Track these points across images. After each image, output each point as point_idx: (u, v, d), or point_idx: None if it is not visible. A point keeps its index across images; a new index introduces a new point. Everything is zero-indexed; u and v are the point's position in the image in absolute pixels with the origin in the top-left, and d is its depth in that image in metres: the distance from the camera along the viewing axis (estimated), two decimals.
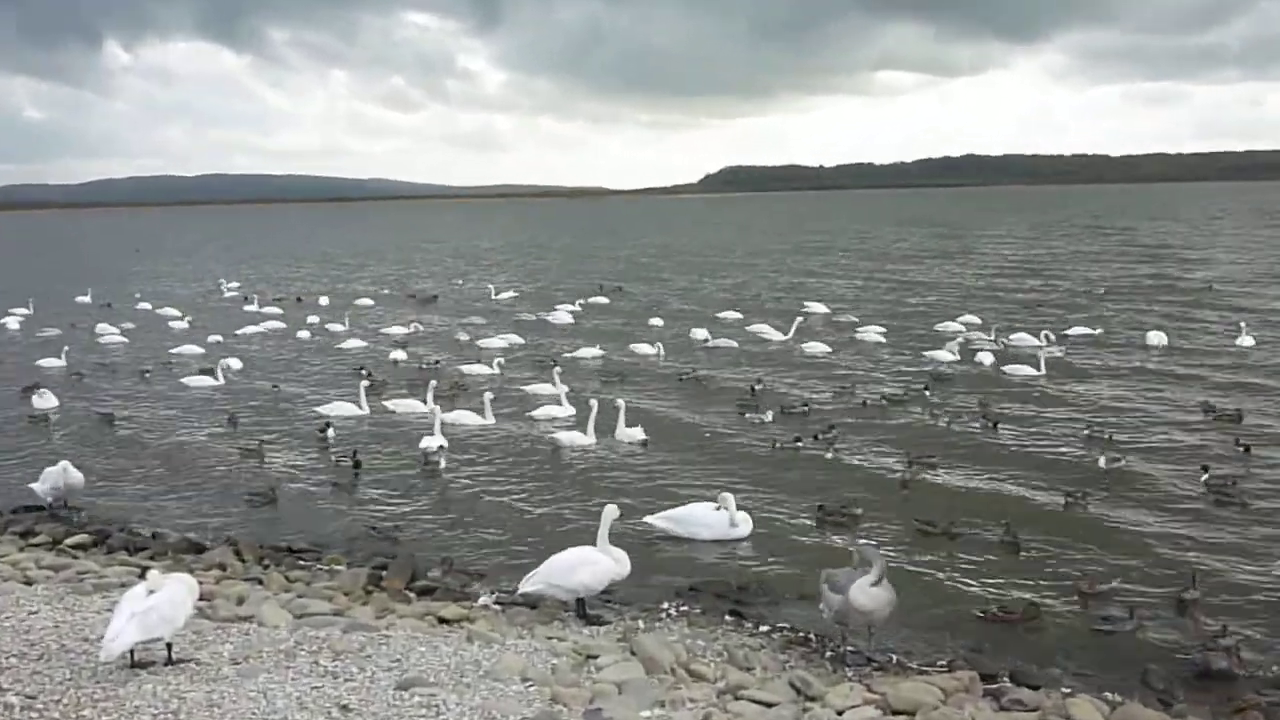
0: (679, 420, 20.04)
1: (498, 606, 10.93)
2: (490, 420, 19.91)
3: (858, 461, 16.67)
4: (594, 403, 18.70)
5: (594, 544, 10.65)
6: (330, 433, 19.06)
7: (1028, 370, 23.69)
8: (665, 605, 10.97)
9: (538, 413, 20.59)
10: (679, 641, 9.66)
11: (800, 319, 31.02)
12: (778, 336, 29.97)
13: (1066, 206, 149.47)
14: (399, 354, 27.89)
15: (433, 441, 17.80)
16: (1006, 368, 24.15)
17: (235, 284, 51.60)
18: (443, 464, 16.61)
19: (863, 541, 9.60)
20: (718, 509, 13.05)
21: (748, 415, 19.78)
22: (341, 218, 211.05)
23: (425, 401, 21.03)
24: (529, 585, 10.52)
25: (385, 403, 21.63)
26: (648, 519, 13.30)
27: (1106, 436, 17.15)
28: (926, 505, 14.11)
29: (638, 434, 18.57)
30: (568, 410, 20.53)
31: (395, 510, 14.85)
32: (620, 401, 18.98)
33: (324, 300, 43.31)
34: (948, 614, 10.72)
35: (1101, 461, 15.32)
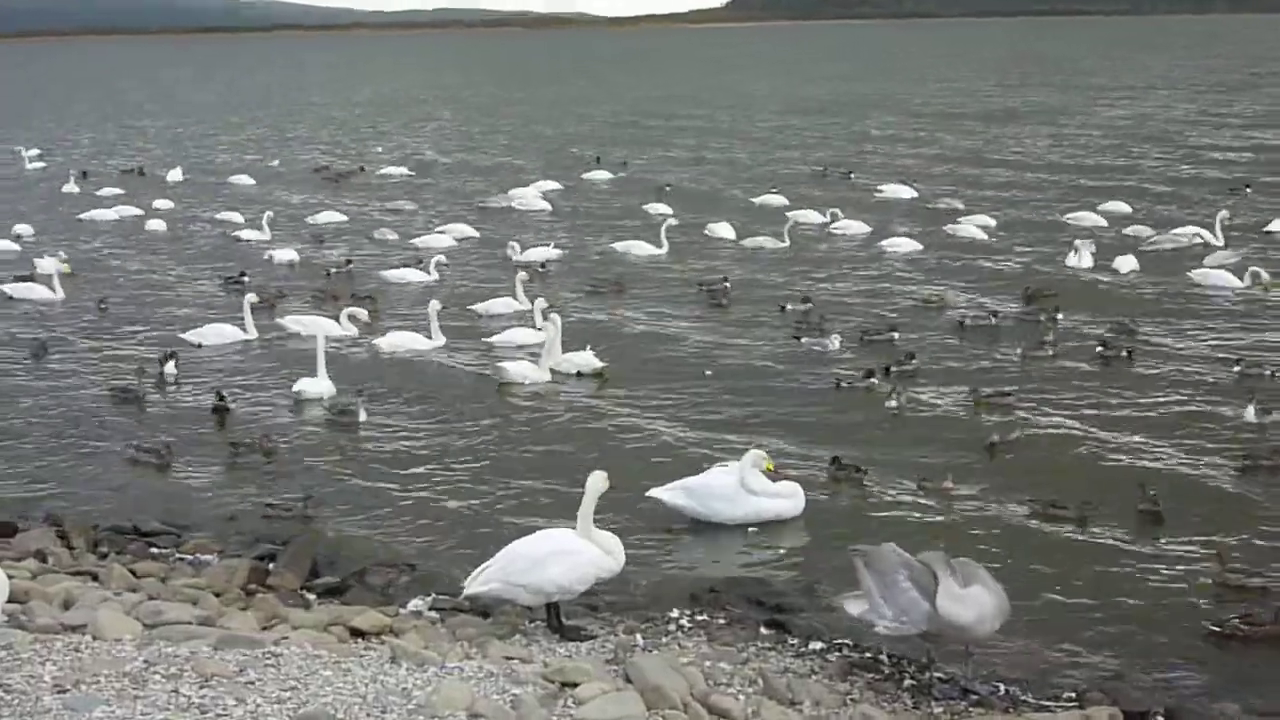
0: (698, 350, 20.28)
1: (434, 614, 10.97)
2: (439, 340, 20.40)
3: (949, 406, 16.89)
4: (553, 321, 18.96)
5: (573, 525, 10.70)
6: (170, 367, 19.22)
7: (1219, 283, 23.58)
8: (675, 613, 11.04)
9: (497, 339, 20.92)
10: (694, 664, 9.70)
11: (835, 212, 31.11)
12: (856, 230, 30.07)
13: (1240, 41, 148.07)
14: (286, 253, 27.91)
15: (312, 386, 18.02)
16: (1195, 273, 24.13)
17: (36, 151, 51.09)
18: (362, 415, 16.81)
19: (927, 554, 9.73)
20: (723, 466, 13.18)
21: (804, 341, 20.04)
22: (203, 55, 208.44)
23: (339, 320, 21.29)
24: (480, 584, 10.57)
25: (285, 320, 21.76)
26: (653, 492, 13.39)
27: (1269, 374, 17.51)
28: (1039, 470, 14.38)
29: (588, 359, 18.89)
30: (541, 336, 20.55)
31: (291, 476, 15.00)
32: (553, 318, 19.16)
33: (175, 173, 42.95)
34: (1079, 624, 10.80)
35: (1250, 413, 15.64)
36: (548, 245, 28.44)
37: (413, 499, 14.17)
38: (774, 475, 13.20)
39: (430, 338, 20.43)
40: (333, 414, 17.07)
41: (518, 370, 18.39)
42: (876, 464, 14.54)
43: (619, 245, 28.86)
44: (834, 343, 19.80)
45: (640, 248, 28.46)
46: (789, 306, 22.29)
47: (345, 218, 33.73)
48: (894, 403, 16.56)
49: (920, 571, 9.57)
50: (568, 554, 10.47)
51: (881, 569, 9.71)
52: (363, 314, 21.38)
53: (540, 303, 21.18)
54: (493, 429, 16.59)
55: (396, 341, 20.37)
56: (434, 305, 20.79)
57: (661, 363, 19.58)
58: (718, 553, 12.59)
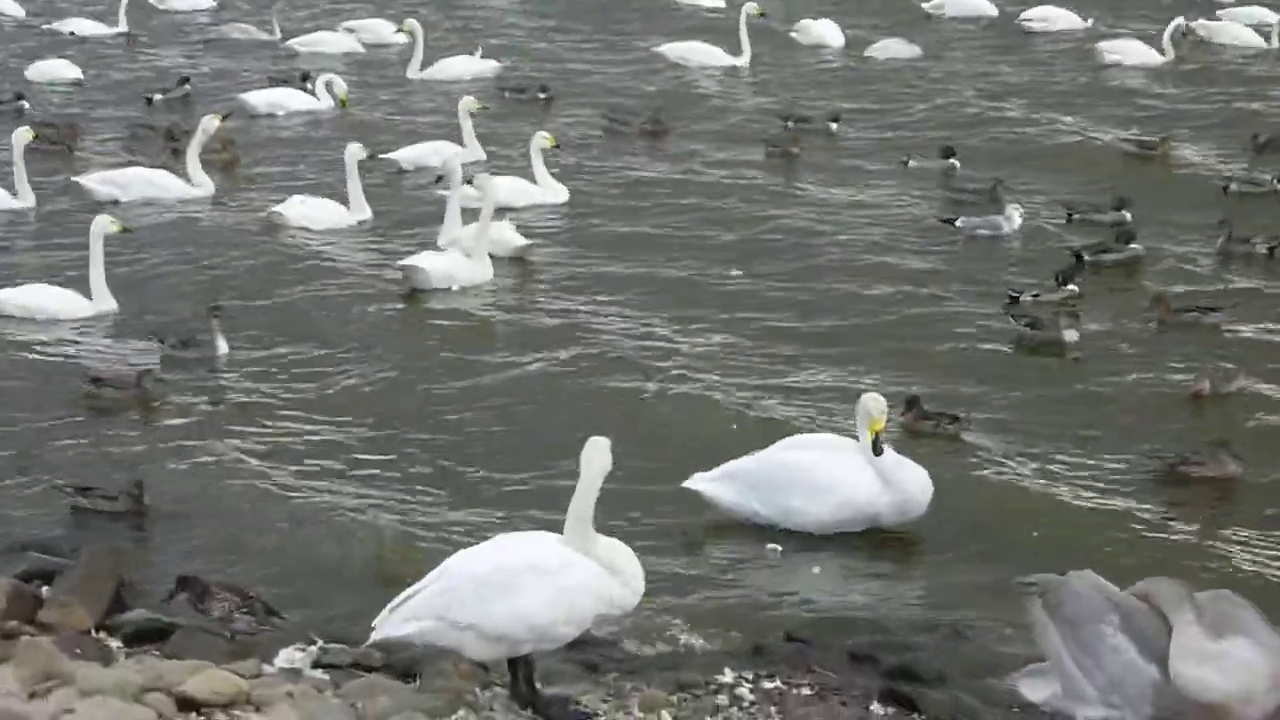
0: (774, 237, 20.85)
1: (321, 673, 10.92)
2: (362, 212, 21.00)
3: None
4: (485, 180, 19.51)
5: (557, 529, 10.46)
6: None
7: None
8: (727, 676, 10.90)
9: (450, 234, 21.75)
10: None
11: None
12: (1061, 22, 30.92)
13: None
14: (70, 68, 28.37)
15: (21, 298, 18.21)
16: None
17: None
18: (221, 348, 17.04)
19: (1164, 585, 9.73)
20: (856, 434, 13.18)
21: (961, 224, 20.49)
22: None
23: (188, 173, 21.76)
24: (400, 623, 10.31)
25: (88, 180, 21.98)
26: (694, 482, 13.60)
27: None
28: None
29: (505, 235, 19.78)
30: (541, 194, 21.26)
31: (102, 446, 15.15)
32: (483, 178, 19.84)
33: None
34: None
35: None
36: (474, 53, 29.18)
37: (292, 482, 14.26)
38: (877, 445, 13.08)
39: (351, 209, 20.76)
40: (170, 346, 17.19)
41: (441, 269, 18.59)
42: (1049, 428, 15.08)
43: (668, 48, 29.23)
44: (1013, 219, 19.84)
45: (705, 54, 28.79)
46: (912, 163, 22.68)
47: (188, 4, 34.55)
48: (1073, 334, 16.78)
49: (1141, 615, 9.64)
50: (549, 574, 10.15)
51: (1075, 615, 9.73)
52: (215, 122, 21.93)
53: (542, 138, 21.29)
54: (423, 367, 16.77)
55: (302, 212, 20.63)
56: (353, 151, 20.96)
57: (704, 260, 19.77)
58: (794, 576, 12.78)
